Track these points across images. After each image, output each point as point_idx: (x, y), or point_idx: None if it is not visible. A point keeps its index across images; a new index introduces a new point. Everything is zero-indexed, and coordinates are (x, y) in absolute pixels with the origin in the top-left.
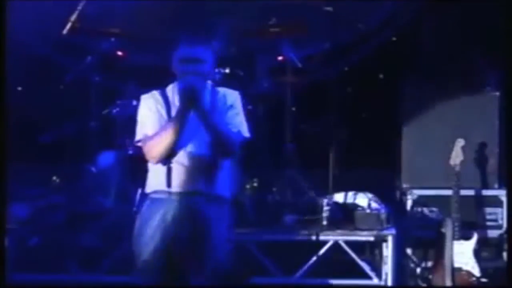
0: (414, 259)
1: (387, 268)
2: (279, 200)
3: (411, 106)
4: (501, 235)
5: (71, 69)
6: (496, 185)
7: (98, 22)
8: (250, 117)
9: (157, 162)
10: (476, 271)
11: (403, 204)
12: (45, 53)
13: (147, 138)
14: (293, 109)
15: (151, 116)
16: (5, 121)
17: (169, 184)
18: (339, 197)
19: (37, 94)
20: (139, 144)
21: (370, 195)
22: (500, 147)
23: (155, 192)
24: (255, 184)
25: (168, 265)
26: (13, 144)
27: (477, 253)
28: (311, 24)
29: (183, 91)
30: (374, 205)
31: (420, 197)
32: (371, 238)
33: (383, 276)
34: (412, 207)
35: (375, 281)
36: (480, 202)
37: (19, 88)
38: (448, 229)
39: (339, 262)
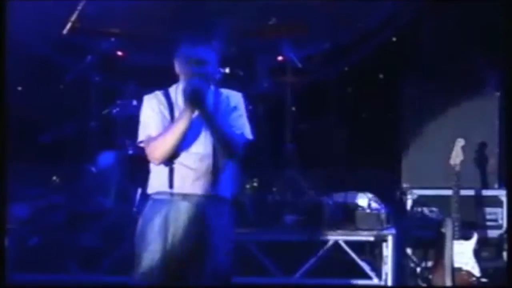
0: (414, 259)
1: (387, 268)
2: (279, 200)
3: (411, 106)
4: (501, 235)
5: (71, 69)
6: (496, 185)
7: (98, 22)
8: (250, 117)
9: (160, 163)
10: (476, 271)
11: (403, 204)
12: (45, 53)
13: (150, 139)
14: (293, 109)
15: (154, 117)
16: (5, 121)
17: (171, 185)
18: (339, 197)
19: (37, 94)
20: (142, 145)
21: (370, 195)
22: (500, 147)
23: (158, 193)
24: (255, 184)
25: (169, 266)
26: (13, 144)
27: (477, 253)
28: (311, 24)
29: (187, 92)
30: (374, 205)
31: (420, 197)
32: (371, 238)
33: (383, 276)
34: (412, 207)
35: (375, 281)
36: (480, 202)
37: (19, 88)
38: (448, 229)
39: (339, 262)
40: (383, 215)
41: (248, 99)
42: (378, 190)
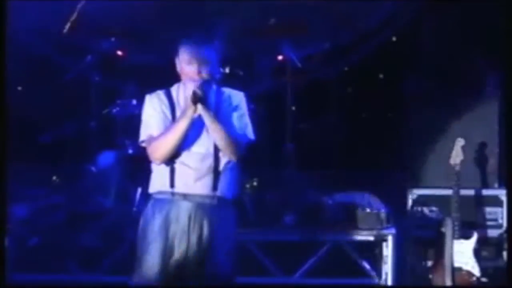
0: (414, 259)
1: (387, 267)
2: (279, 200)
3: (411, 106)
4: (501, 234)
5: (71, 69)
6: (496, 185)
7: (98, 22)
8: (250, 117)
9: (161, 163)
10: (476, 271)
11: (403, 204)
12: (45, 53)
13: (151, 139)
14: (293, 109)
15: (155, 116)
16: (5, 121)
17: (172, 184)
18: (339, 197)
19: (37, 94)
20: (143, 144)
21: (370, 195)
22: (500, 147)
23: (159, 192)
24: (255, 184)
25: (169, 266)
26: (13, 144)
27: (477, 253)
28: (311, 24)
29: (188, 92)
30: (374, 205)
31: (420, 197)
32: (371, 238)
33: (383, 276)
34: (412, 207)
35: (375, 280)
36: (480, 201)
37: (19, 88)
38: (448, 229)
39: (339, 262)
40: (383, 215)
41: (248, 99)
42: (378, 190)
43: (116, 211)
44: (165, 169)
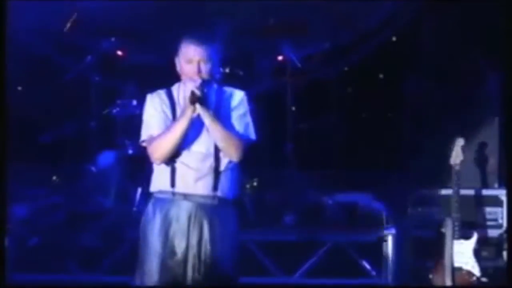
0: (414, 259)
1: (387, 267)
2: (279, 200)
3: (411, 106)
4: (501, 234)
5: (71, 69)
6: (496, 185)
7: (98, 22)
8: (251, 117)
9: (161, 163)
10: (476, 271)
11: (403, 204)
12: (45, 53)
13: (152, 139)
14: (293, 109)
15: (156, 116)
16: (5, 121)
17: (173, 184)
18: (339, 197)
19: (37, 94)
20: (144, 144)
21: (370, 195)
22: (500, 147)
23: (160, 191)
24: (255, 184)
25: (170, 265)
26: (13, 144)
27: (477, 253)
28: (311, 24)
29: (188, 92)
30: (374, 205)
31: (420, 197)
32: (371, 238)
33: (383, 276)
34: (412, 207)
35: (376, 280)
36: (480, 202)
37: (19, 88)
38: (448, 229)
39: (339, 262)
40: (383, 215)
41: (248, 99)
42: (378, 190)
43: (116, 211)
44: (166, 169)
